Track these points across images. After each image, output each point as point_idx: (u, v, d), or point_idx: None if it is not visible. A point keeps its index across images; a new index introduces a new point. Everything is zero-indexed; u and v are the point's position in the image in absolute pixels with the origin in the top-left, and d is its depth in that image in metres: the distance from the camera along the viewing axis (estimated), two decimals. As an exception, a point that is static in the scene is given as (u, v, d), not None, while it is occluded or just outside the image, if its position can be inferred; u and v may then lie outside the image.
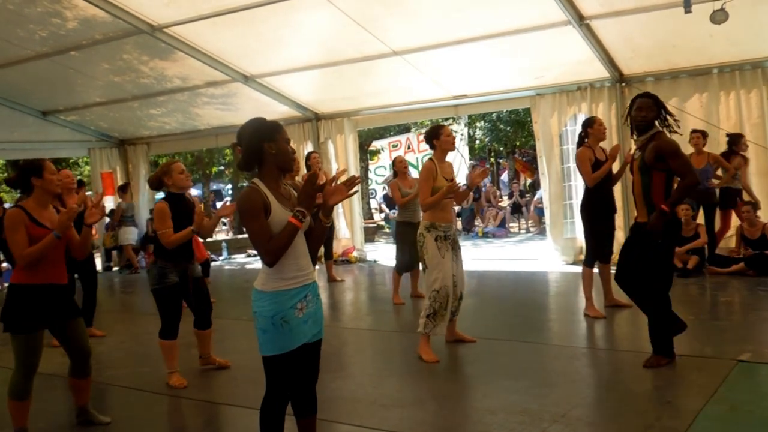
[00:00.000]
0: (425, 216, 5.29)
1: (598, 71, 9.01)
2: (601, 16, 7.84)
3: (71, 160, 20.34)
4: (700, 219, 8.37)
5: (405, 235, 7.46)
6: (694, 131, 8.25)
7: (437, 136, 5.31)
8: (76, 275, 6.64)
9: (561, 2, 7.43)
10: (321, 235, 3.02)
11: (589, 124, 6.30)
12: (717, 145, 8.47)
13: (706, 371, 4.50)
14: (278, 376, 2.87)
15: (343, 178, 3.04)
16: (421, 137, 17.20)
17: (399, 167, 7.84)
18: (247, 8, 7.91)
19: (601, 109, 9.28)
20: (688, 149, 8.28)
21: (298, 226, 2.78)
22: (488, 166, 22.40)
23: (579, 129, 9.29)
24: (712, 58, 8.43)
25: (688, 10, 6.36)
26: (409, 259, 7.43)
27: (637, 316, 6.31)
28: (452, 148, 5.43)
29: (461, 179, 13.28)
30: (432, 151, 5.43)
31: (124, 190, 13.13)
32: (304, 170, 8.95)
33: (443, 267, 5.15)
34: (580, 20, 7.86)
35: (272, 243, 2.76)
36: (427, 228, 5.21)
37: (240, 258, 13.70)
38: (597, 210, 6.21)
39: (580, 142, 6.34)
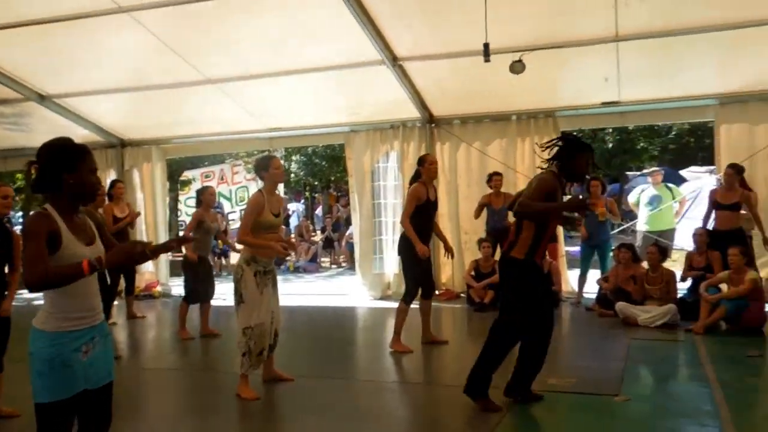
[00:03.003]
0: (246, 249, 5.04)
1: (410, 111, 9.37)
2: (413, 58, 8.19)
3: None
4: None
5: (195, 267, 7.29)
6: (494, 174, 8.78)
7: (266, 168, 5.10)
8: None
9: (376, 42, 7.64)
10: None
11: (421, 162, 6.35)
12: (513, 187, 9.07)
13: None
14: (53, 425, 2.53)
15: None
16: (236, 169, 16.84)
17: (208, 199, 7.44)
18: (44, 22, 7.21)
19: (412, 148, 9.64)
20: (487, 190, 8.83)
21: (84, 273, 2.44)
22: (303, 200, 22.41)
23: (390, 166, 9.76)
24: (511, 105, 9.12)
25: (487, 59, 6.79)
26: (201, 290, 7.34)
27: (445, 352, 6.51)
28: (282, 179, 5.32)
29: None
30: (249, 182, 5.24)
31: None
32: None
33: (261, 304, 4.93)
34: (394, 61, 8.14)
35: (51, 273, 2.41)
36: (247, 261, 4.96)
37: (26, 293, 12.25)
38: (415, 250, 6.14)
39: (415, 177, 6.35)
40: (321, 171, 21.54)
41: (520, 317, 4.49)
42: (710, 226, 7.94)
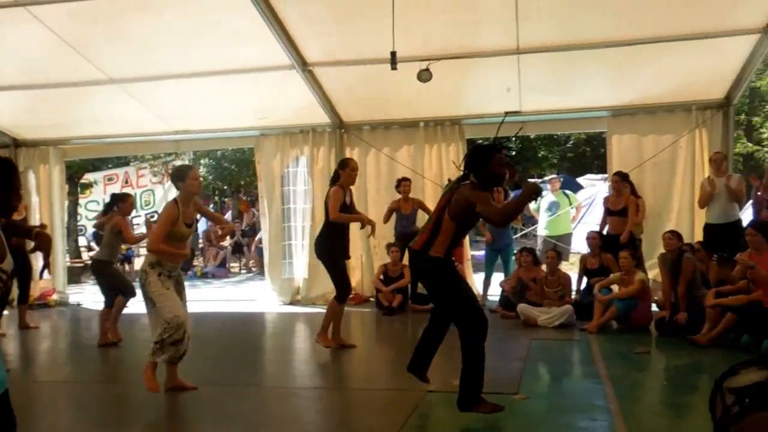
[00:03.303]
0: (151, 254, 5.00)
1: (320, 116, 9.37)
2: (323, 64, 8.24)
3: None
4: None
5: (107, 272, 7.09)
6: (403, 179, 8.91)
7: (183, 179, 5.04)
8: None
9: (286, 47, 7.63)
10: None
11: (343, 166, 6.41)
12: (421, 192, 9.27)
13: (400, 402, 4.80)
14: None
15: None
16: (141, 172, 16.33)
17: (128, 209, 7.32)
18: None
19: (322, 153, 9.67)
20: (396, 195, 8.94)
21: None
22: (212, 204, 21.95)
23: (300, 171, 9.75)
24: (418, 113, 9.30)
25: (393, 67, 6.91)
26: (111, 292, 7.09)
27: (354, 356, 6.55)
28: (199, 191, 5.26)
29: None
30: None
31: None
32: None
33: (170, 297, 4.89)
34: (304, 66, 8.15)
35: None
36: (152, 265, 4.92)
37: None
38: (337, 250, 6.34)
39: (334, 180, 6.41)
40: (230, 175, 21.19)
41: (468, 312, 4.47)
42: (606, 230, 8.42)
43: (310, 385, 5.69)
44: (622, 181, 8.21)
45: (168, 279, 4.95)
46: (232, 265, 15.71)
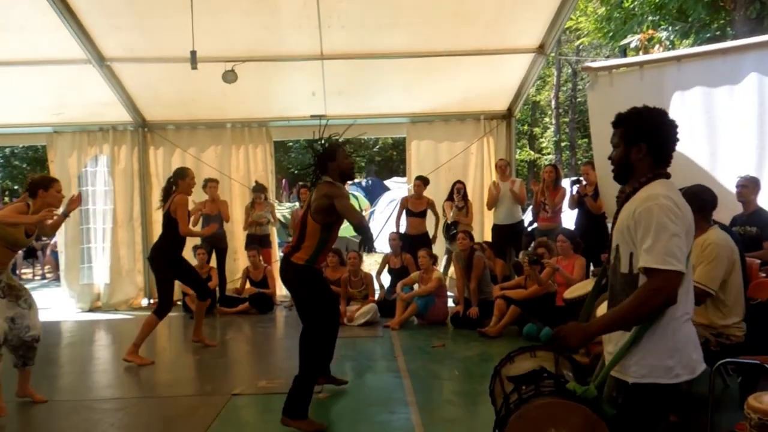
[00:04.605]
0: None
1: (121, 114, 8.99)
2: (123, 60, 7.92)
3: None
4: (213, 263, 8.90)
5: None
6: (210, 180, 8.73)
7: (46, 189, 4.88)
8: None
9: (80, 40, 7.24)
10: None
11: (182, 176, 6.32)
12: (230, 194, 9.20)
13: (204, 407, 4.81)
14: None
15: None
16: None
17: None
18: None
19: (124, 152, 9.26)
20: (203, 196, 8.75)
21: None
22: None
23: (100, 170, 9.23)
24: (225, 114, 9.21)
25: (194, 67, 6.80)
26: None
27: (157, 363, 6.37)
28: (58, 205, 5.06)
29: None
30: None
31: None
32: None
33: None
34: (102, 61, 7.77)
35: None
36: None
37: None
38: (173, 261, 6.27)
39: (170, 188, 6.31)
40: (22, 174, 19.48)
41: (317, 324, 4.52)
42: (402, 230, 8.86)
43: (107, 396, 5.43)
44: (423, 185, 8.73)
45: None
46: (24, 271, 14.41)
